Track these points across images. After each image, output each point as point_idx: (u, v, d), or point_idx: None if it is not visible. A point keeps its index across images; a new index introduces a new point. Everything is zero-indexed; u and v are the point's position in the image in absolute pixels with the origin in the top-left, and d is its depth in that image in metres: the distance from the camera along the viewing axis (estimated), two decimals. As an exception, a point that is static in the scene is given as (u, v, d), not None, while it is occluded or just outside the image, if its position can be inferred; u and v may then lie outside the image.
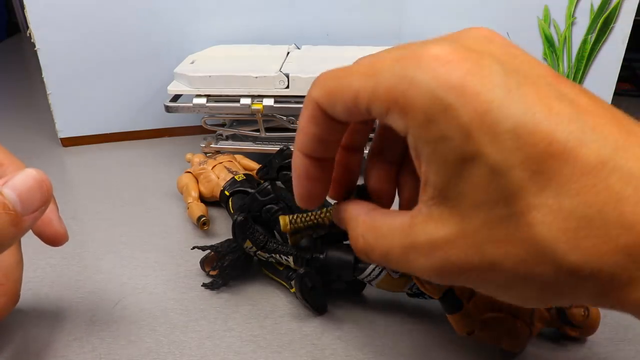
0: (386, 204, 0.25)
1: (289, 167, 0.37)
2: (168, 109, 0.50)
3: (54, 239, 0.29)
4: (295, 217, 0.30)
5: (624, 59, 0.50)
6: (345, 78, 0.20)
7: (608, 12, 0.48)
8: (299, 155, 0.24)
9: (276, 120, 0.50)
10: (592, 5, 0.49)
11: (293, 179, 0.24)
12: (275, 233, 0.37)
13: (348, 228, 0.24)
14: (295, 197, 0.25)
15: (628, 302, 0.17)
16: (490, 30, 0.20)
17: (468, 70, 0.17)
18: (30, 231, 0.28)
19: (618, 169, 0.16)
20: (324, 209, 0.30)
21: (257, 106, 0.48)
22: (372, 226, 0.22)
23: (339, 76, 0.20)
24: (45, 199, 0.24)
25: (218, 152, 0.51)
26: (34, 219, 0.24)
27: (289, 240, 0.31)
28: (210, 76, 0.49)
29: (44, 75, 0.56)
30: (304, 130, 0.23)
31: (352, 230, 0.23)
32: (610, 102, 0.51)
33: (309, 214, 0.30)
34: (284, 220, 0.30)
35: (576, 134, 0.16)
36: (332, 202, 0.27)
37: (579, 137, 0.16)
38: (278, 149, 0.37)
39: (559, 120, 0.16)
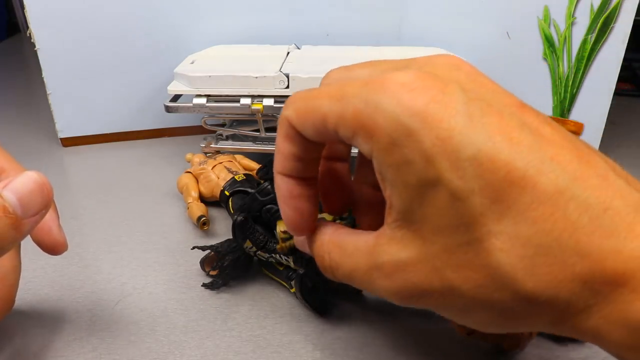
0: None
1: (289, 167, 0.37)
2: (168, 109, 0.50)
3: (53, 248, 0.29)
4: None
5: (624, 59, 0.50)
6: (315, 100, 0.20)
7: (608, 12, 0.48)
8: (279, 176, 0.24)
9: (276, 120, 0.50)
10: (592, 5, 0.49)
11: (279, 203, 0.24)
12: (275, 233, 0.37)
13: (312, 248, 0.24)
14: (285, 222, 0.24)
15: (583, 330, 0.17)
16: (458, 57, 0.20)
17: (432, 98, 0.17)
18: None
19: (575, 198, 0.16)
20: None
21: (257, 106, 0.48)
22: (338, 245, 0.22)
23: (309, 97, 0.21)
24: (45, 202, 0.24)
25: (218, 152, 0.51)
26: (34, 223, 0.24)
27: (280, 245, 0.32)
28: (210, 76, 0.49)
29: (44, 75, 0.56)
30: (281, 150, 0.23)
31: (317, 249, 0.24)
32: (610, 102, 0.51)
33: None
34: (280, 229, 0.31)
35: (535, 163, 0.16)
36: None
37: (538, 166, 0.16)
38: (278, 149, 0.37)
39: (519, 149, 0.17)
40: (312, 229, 0.24)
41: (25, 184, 0.23)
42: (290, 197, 0.24)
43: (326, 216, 0.28)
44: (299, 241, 0.26)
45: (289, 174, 0.23)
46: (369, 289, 0.21)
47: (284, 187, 0.24)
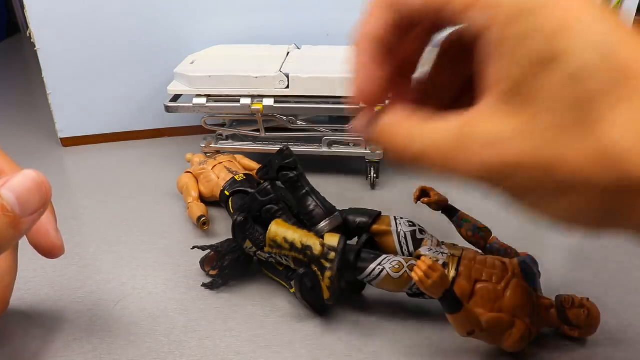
0: None
1: (289, 168, 0.37)
2: (168, 109, 0.50)
3: (50, 251, 0.28)
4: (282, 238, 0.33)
5: (624, 59, 0.50)
6: None
7: (608, 12, 0.48)
8: (363, 40, 0.22)
9: (276, 120, 0.50)
10: (592, 5, 0.49)
11: (353, 66, 0.22)
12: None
13: (379, 125, 0.22)
14: (354, 86, 0.23)
15: None
16: None
17: None
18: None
19: None
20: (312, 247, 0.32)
21: (257, 106, 0.48)
22: (414, 121, 0.22)
23: None
24: (44, 200, 0.24)
25: (218, 152, 0.51)
26: (32, 221, 0.24)
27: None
28: (210, 76, 0.49)
29: (44, 75, 0.56)
30: (374, 14, 0.22)
31: (385, 125, 0.22)
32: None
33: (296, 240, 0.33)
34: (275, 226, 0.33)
35: None
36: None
37: None
38: (278, 149, 0.37)
39: (639, 49, 0.18)
40: (379, 101, 0.23)
41: (23, 183, 0.23)
42: (369, 63, 0.22)
43: None
44: (359, 124, 0.24)
45: (376, 39, 0.22)
46: (447, 165, 0.21)
47: (366, 50, 0.22)
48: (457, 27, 0.22)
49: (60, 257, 0.41)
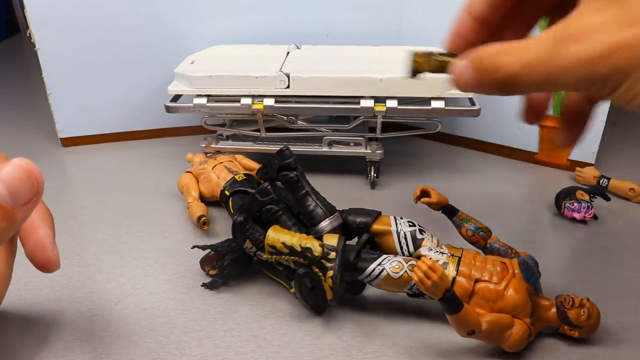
0: None
1: (289, 168, 0.37)
2: (168, 109, 0.50)
3: (45, 265, 0.28)
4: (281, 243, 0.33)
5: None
6: None
7: (608, 12, 0.48)
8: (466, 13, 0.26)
9: (277, 120, 0.50)
10: (592, 5, 0.49)
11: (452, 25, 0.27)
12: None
13: (470, 56, 0.25)
14: (449, 33, 0.26)
15: None
16: None
17: None
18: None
19: None
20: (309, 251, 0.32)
21: (257, 106, 0.48)
22: (506, 46, 0.24)
23: None
24: (35, 189, 0.23)
25: (218, 152, 0.51)
26: (26, 211, 0.23)
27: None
28: (210, 76, 0.49)
29: (44, 75, 0.56)
30: None
31: (477, 55, 0.24)
32: (609, 102, 0.51)
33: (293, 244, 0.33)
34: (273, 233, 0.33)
35: None
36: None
37: None
38: (278, 149, 0.37)
39: None
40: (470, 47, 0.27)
41: (12, 172, 0.22)
42: (468, 23, 0.25)
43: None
44: (459, 67, 0.26)
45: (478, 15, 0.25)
46: (547, 73, 0.22)
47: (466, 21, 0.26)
48: None
49: (61, 257, 0.40)
